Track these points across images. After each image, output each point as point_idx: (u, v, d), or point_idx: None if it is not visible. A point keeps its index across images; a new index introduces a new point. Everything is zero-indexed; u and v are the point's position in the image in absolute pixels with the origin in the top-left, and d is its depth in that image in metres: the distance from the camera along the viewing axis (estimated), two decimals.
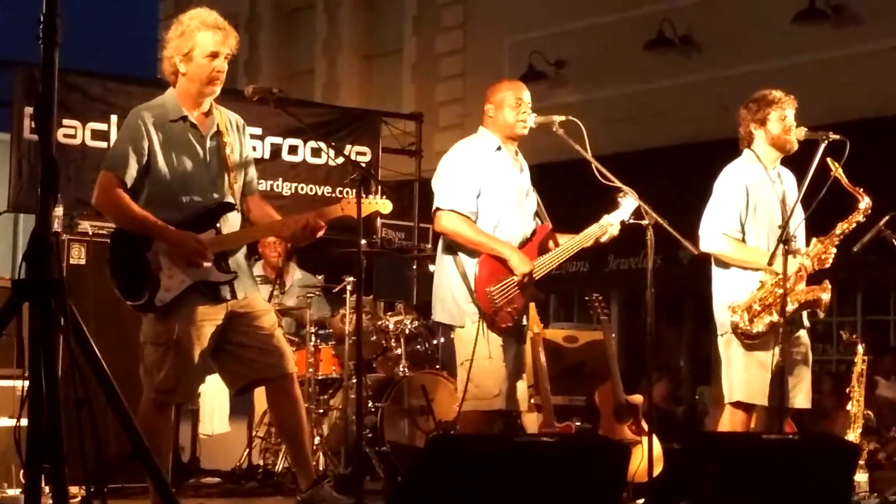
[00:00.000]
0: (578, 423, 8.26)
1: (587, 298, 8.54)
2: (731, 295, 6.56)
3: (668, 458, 6.82)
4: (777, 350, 6.34)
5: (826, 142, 6.41)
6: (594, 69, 15.28)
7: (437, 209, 6.29)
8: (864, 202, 6.51)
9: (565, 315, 14.64)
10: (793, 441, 5.62)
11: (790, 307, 6.34)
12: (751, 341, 6.49)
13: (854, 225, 6.56)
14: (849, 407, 8.10)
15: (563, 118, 6.31)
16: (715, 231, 6.57)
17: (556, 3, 15.81)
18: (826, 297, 6.49)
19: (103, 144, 8.85)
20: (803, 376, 6.69)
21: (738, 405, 6.57)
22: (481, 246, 6.19)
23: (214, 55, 5.61)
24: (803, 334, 6.71)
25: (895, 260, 7.10)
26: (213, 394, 7.90)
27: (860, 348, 8.20)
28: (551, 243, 6.39)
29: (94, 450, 3.62)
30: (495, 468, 4.42)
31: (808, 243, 6.64)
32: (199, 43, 5.59)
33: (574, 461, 4.65)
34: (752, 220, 6.57)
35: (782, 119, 6.66)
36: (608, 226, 6.34)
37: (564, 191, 8.57)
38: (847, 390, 8.25)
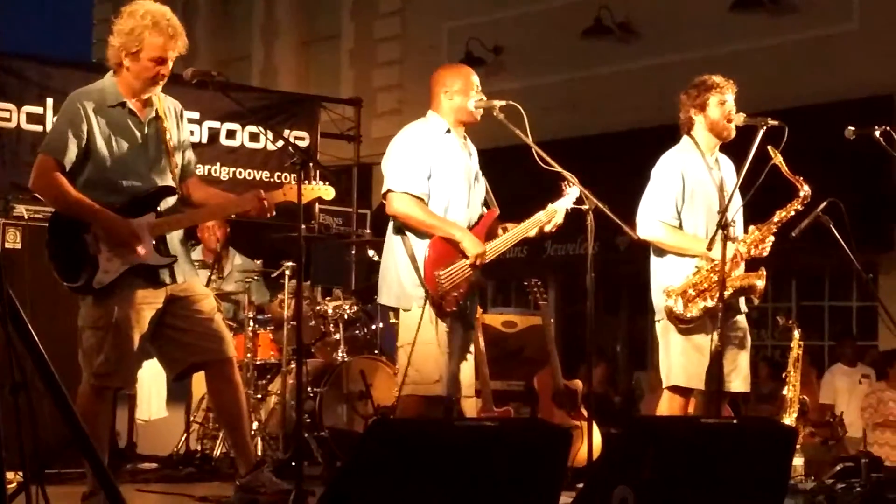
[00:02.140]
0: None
1: (526, 284, 8.56)
2: (667, 281, 6.58)
3: (607, 442, 6.84)
4: (715, 335, 6.38)
5: (765, 128, 6.43)
6: (532, 56, 15.28)
7: (389, 191, 6.21)
8: (804, 191, 6.54)
9: (503, 301, 14.62)
10: (731, 425, 5.65)
11: (727, 292, 6.36)
12: (685, 325, 6.52)
13: (792, 213, 6.58)
14: (784, 391, 8.18)
15: (503, 103, 6.28)
16: (651, 218, 6.59)
17: None
18: (761, 283, 6.54)
19: (39, 128, 8.75)
20: (740, 361, 6.73)
21: (675, 390, 6.60)
22: (433, 228, 6.16)
23: (162, 60, 5.58)
24: (741, 319, 6.75)
25: (830, 246, 7.15)
26: (150, 379, 7.85)
27: (796, 333, 8.27)
28: (500, 230, 6.39)
29: (31, 435, 3.58)
30: (436, 453, 4.41)
31: (746, 230, 6.66)
32: (148, 46, 5.56)
33: (516, 446, 4.64)
34: (689, 207, 6.58)
35: (722, 104, 6.66)
36: (553, 213, 6.34)
37: (504, 177, 8.57)
38: (783, 375, 8.33)
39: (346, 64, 17.70)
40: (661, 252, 6.66)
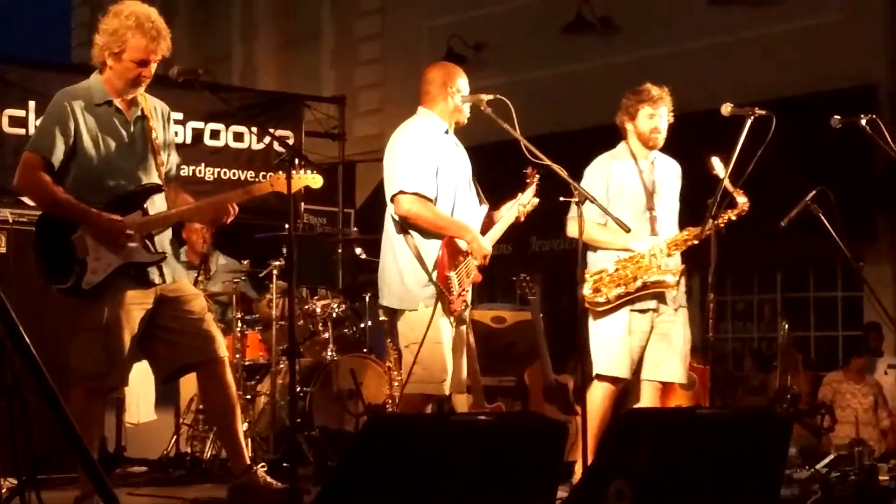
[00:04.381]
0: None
1: (514, 279, 8.55)
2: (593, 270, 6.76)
3: (601, 436, 6.82)
4: (636, 324, 6.60)
5: (752, 117, 6.46)
6: (513, 52, 15.26)
7: (401, 192, 6.09)
8: (741, 202, 6.60)
9: (489, 297, 14.61)
10: (726, 415, 5.64)
11: (636, 284, 6.56)
12: (598, 310, 6.67)
13: (725, 222, 6.64)
14: (774, 382, 8.18)
15: (490, 97, 6.24)
16: (572, 218, 6.62)
17: None
18: (671, 279, 6.62)
19: (21, 131, 8.71)
20: (670, 351, 6.77)
21: (599, 378, 6.71)
22: (445, 229, 6.10)
23: (144, 62, 5.55)
24: (669, 312, 6.77)
25: (815, 236, 7.16)
26: (139, 381, 7.76)
27: (784, 324, 8.28)
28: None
29: (25, 439, 3.54)
30: (432, 448, 4.39)
31: (682, 229, 6.79)
32: (131, 47, 5.53)
33: (511, 440, 4.63)
34: (614, 209, 6.56)
35: (651, 117, 6.80)
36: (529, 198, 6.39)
37: (486, 175, 8.58)
38: (773, 365, 8.33)
39: (328, 63, 17.66)
40: (593, 248, 6.79)
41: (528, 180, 6.45)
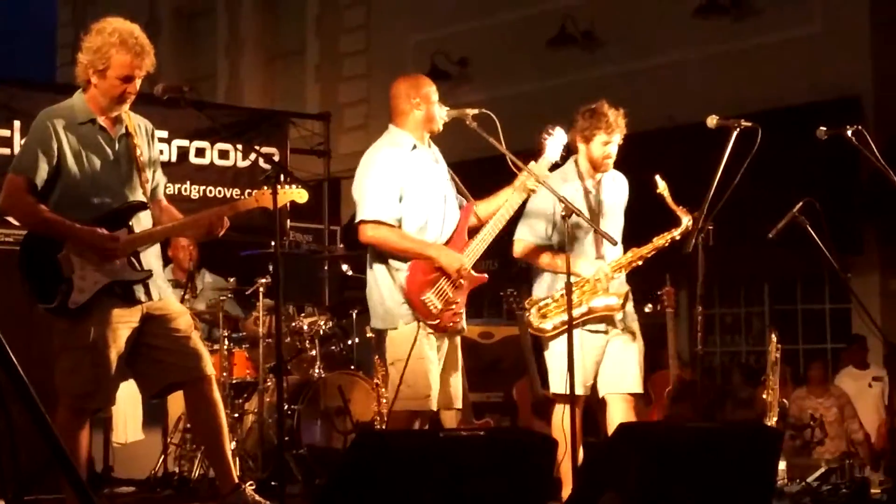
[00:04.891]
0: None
1: (502, 294, 8.53)
2: (538, 294, 6.79)
3: (588, 451, 6.81)
4: (583, 343, 6.58)
5: (738, 129, 6.45)
6: (498, 67, 15.27)
7: (361, 221, 6.18)
8: (685, 222, 6.62)
9: (475, 313, 14.58)
10: (716, 429, 5.64)
11: (582, 309, 6.55)
12: (545, 335, 6.71)
13: (669, 242, 6.68)
14: (764, 395, 8.16)
15: (476, 111, 6.26)
16: (523, 238, 6.78)
17: (458, 1, 15.80)
18: (615, 302, 6.65)
19: (6, 151, 8.71)
20: (626, 364, 6.77)
21: (556, 397, 6.73)
22: (409, 251, 6.14)
23: (129, 79, 5.53)
24: (620, 330, 6.78)
25: (803, 249, 7.16)
26: (126, 401, 7.77)
27: (773, 337, 8.26)
28: (473, 219, 6.36)
29: (11, 459, 3.52)
30: (422, 464, 4.38)
31: (626, 249, 6.78)
32: (115, 64, 5.51)
33: (501, 455, 4.61)
34: (558, 232, 6.66)
35: (605, 144, 6.78)
36: (532, 177, 6.30)
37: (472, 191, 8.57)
38: (762, 378, 8.31)
39: (312, 79, 17.66)
40: (537, 270, 6.83)
41: (545, 138, 6.44)
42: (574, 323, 6.29)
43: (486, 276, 6.37)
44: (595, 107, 6.84)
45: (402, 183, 6.18)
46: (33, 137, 5.57)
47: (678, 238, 6.63)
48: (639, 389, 6.86)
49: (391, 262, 6.17)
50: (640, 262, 6.72)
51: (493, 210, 6.35)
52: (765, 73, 13.08)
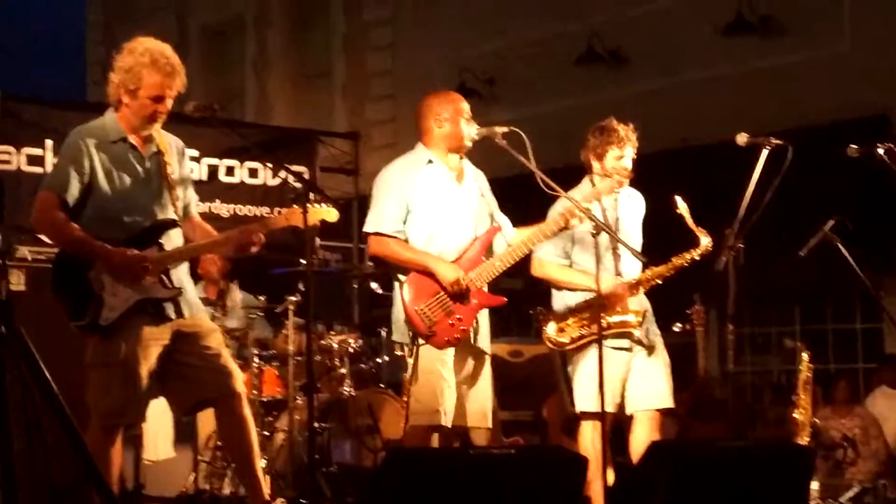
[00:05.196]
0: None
1: (531, 312, 8.51)
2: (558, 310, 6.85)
3: (619, 470, 6.79)
4: (608, 359, 6.49)
5: (768, 147, 6.45)
6: (525, 86, 15.27)
7: (366, 234, 6.36)
8: (704, 242, 6.64)
9: (504, 331, 14.56)
10: (748, 447, 5.61)
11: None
12: (565, 349, 6.78)
13: (688, 262, 6.70)
14: (795, 414, 8.11)
15: (505, 129, 6.27)
16: (542, 257, 6.82)
17: (485, 20, 15.81)
18: (632, 319, 6.68)
19: (39, 170, 8.76)
20: (654, 379, 6.80)
21: (584, 416, 6.75)
22: (409, 262, 6.20)
23: (160, 98, 5.56)
24: (644, 348, 6.82)
25: (833, 268, 7.13)
26: (157, 418, 7.77)
27: (805, 356, 8.21)
28: (503, 242, 6.37)
29: (45, 476, 3.54)
30: (451, 482, 4.38)
31: (645, 267, 6.79)
32: (146, 84, 5.55)
33: (531, 473, 4.61)
34: (579, 250, 6.75)
35: (618, 159, 6.84)
36: (574, 209, 6.28)
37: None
38: (792, 398, 8.26)
39: (340, 99, 17.70)
40: (557, 287, 6.89)
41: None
42: (593, 339, 6.29)
43: (503, 298, 6.37)
44: (604, 124, 6.93)
45: (409, 197, 6.27)
46: (65, 155, 5.60)
47: (697, 258, 6.65)
48: (669, 404, 6.85)
49: (399, 275, 6.24)
50: (657, 282, 6.73)
51: (523, 237, 6.37)
52: (793, 91, 13.03)
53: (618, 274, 6.74)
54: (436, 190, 6.32)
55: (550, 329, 6.76)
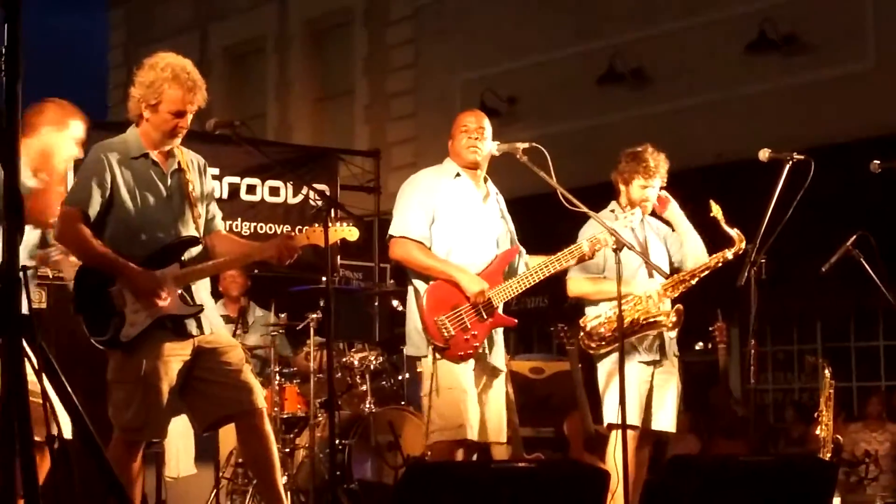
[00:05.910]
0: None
1: (552, 329, 8.51)
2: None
3: (646, 484, 6.78)
4: (639, 373, 6.77)
5: (791, 162, 6.45)
6: (547, 105, 15.29)
7: (390, 237, 6.34)
8: (737, 245, 6.72)
9: (525, 349, 14.57)
10: (770, 462, 5.58)
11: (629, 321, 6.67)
12: (599, 352, 6.87)
13: (722, 261, 6.78)
14: (817, 431, 8.08)
15: (526, 145, 6.28)
16: (575, 276, 6.92)
17: (506, 40, 15.83)
18: (663, 319, 6.77)
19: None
20: (666, 400, 6.94)
21: (612, 427, 6.81)
22: (431, 270, 6.19)
23: (181, 114, 5.57)
24: (667, 364, 6.97)
25: (856, 285, 7.10)
26: (178, 435, 7.78)
27: (827, 373, 8.19)
28: (522, 265, 6.36)
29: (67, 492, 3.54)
30: (472, 497, 4.36)
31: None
32: (167, 99, 5.56)
33: (553, 487, 4.59)
34: (610, 266, 6.67)
35: (643, 188, 6.96)
36: (600, 239, 6.34)
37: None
38: (815, 415, 8.22)
39: (361, 119, 17.75)
40: (594, 302, 6.98)
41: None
42: (622, 338, 6.30)
43: (515, 320, 6.34)
44: (639, 150, 6.96)
45: (435, 205, 6.28)
46: (87, 169, 5.60)
47: (731, 258, 6.68)
48: (671, 429, 6.98)
49: (417, 284, 6.23)
50: (691, 282, 6.75)
51: (545, 261, 6.36)
52: (816, 109, 13.02)
53: (651, 278, 6.85)
54: (461, 203, 6.33)
55: (583, 335, 6.89)
